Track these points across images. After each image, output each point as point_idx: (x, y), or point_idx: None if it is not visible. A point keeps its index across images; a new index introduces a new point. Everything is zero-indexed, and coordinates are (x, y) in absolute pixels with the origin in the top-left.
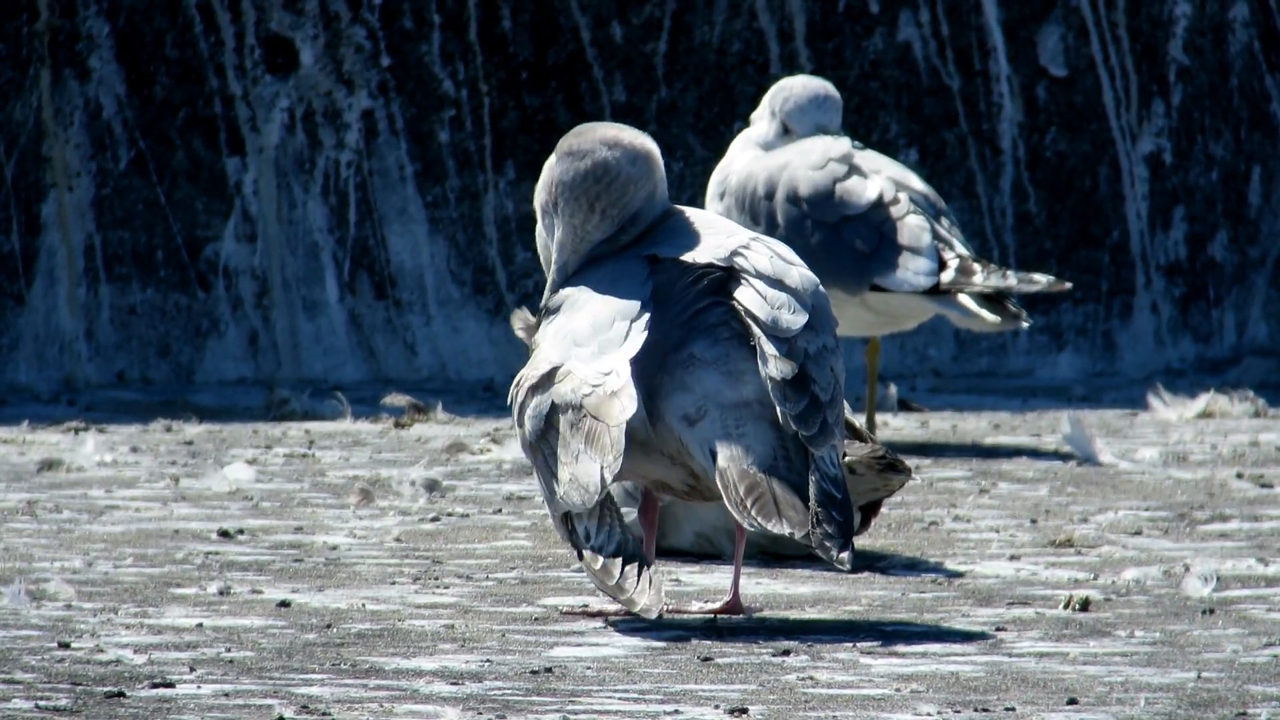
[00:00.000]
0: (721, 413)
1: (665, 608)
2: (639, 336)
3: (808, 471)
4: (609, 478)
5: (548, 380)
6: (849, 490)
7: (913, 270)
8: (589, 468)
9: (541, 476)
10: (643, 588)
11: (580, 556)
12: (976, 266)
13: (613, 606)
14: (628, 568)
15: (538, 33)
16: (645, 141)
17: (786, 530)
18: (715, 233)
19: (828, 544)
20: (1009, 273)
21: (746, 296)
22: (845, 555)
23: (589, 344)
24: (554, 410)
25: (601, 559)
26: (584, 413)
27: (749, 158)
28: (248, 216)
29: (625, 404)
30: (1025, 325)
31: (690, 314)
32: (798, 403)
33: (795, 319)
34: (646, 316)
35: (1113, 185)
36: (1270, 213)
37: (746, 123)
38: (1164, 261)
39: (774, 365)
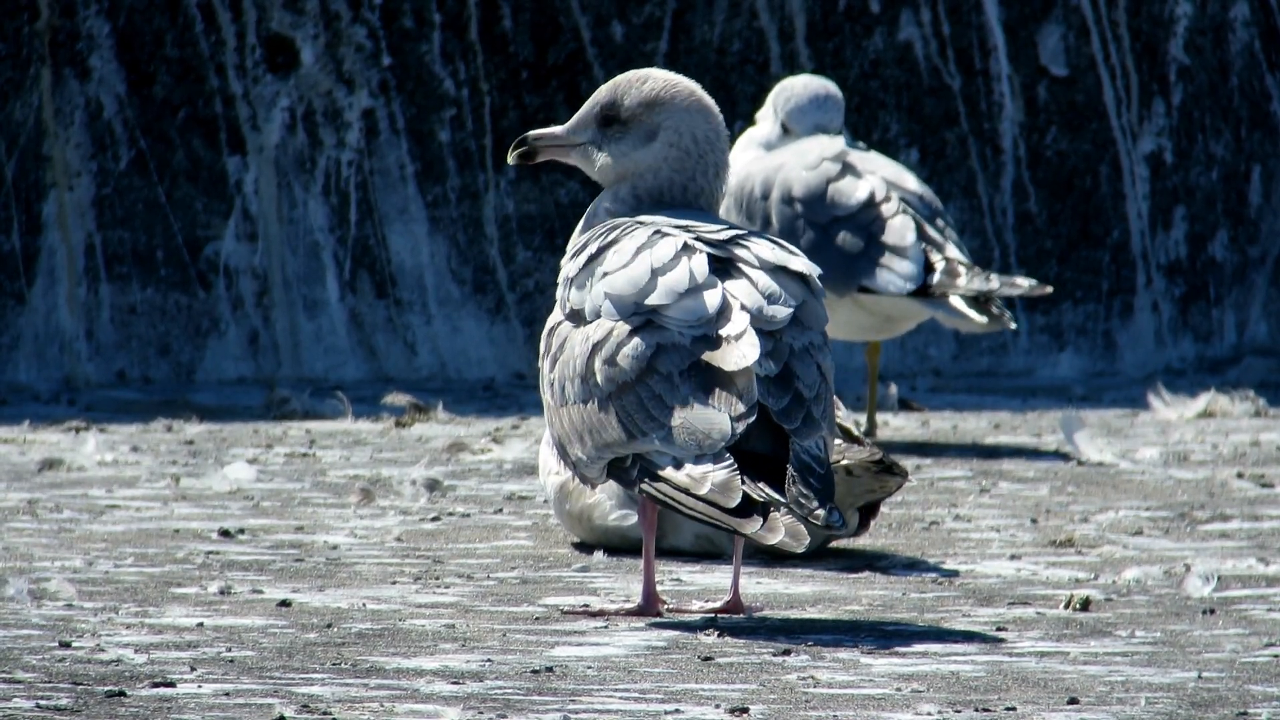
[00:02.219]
0: None
1: (802, 546)
2: (718, 288)
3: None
4: (740, 429)
5: (649, 324)
6: (834, 474)
7: (897, 272)
8: (711, 416)
9: (620, 417)
10: (773, 525)
11: (664, 491)
12: (962, 269)
13: (613, 606)
14: (749, 501)
15: (538, 32)
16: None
17: (775, 496)
18: (716, 223)
19: (803, 501)
20: (992, 275)
21: (737, 288)
22: (821, 511)
23: (670, 287)
24: (659, 352)
25: (710, 483)
26: (703, 359)
27: (748, 158)
28: (248, 216)
29: (746, 351)
30: (1011, 326)
31: None
32: (781, 398)
33: (781, 310)
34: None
35: (1113, 184)
36: (1270, 212)
37: (749, 122)
38: (1164, 261)
39: (758, 362)
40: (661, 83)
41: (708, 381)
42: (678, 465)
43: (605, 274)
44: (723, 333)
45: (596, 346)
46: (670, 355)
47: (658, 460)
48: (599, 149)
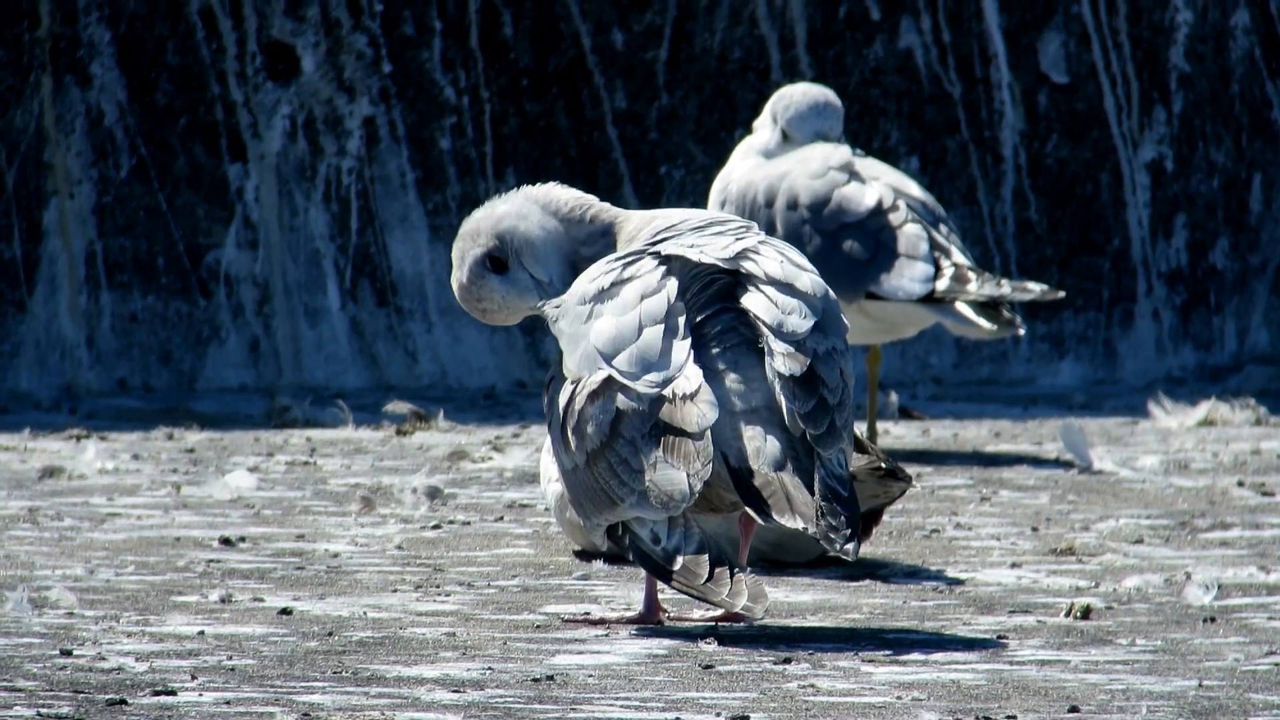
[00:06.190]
0: (732, 419)
1: (763, 609)
2: (685, 339)
3: (814, 471)
4: (698, 486)
5: (608, 386)
6: (855, 491)
7: (908, 278)
8: (672, 475)
9: (600, 485)
10: (738, 589)
11: (649, 564)
12: (971, 275)
13: (614, 614)
14: (717, 569)
15: (539, 39)
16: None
17: (799, 525)
18: (725, 233)
19: (832, 535)
20: (1004, 281)
21: (754, 302)
22: (850, 546)
23: (638, 346)
24: (620, 418)
25: (681, 559)
26: (661, 419)
27: (749, 165)
28: (249, 223)
29: (704, 410)
30: (1021, 332)
31: (699, 321)
32: (806, 402)
33: (803, 323)
34: (683, 319)
35: (1114, 192)
36: (1271, 220)
37: (748, 130)
38: (1165, 269)
39: (782, 361)
40: (475, 223)
41: (668, 441)
42: (655, 539)
43: (601, 315)
44: (677, 391)
45: (566, 414)
46: (632, 420)
47: (639, 530)
48: (519, 261)
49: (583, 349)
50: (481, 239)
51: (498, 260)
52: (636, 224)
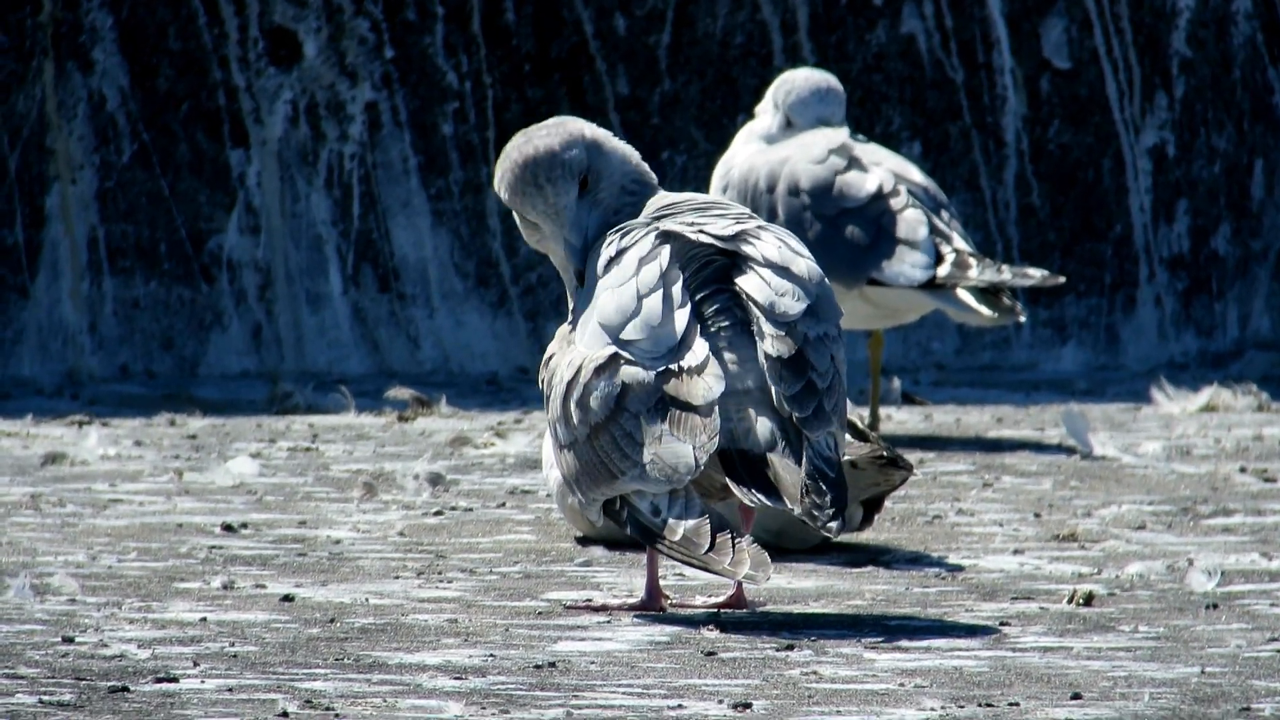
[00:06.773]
0: (723, 400)
1: (766, 577)
2: (685, 307)
3: (803, 452)
4: (703, 459)
5: (614, 361)
6: (845, 476)
7: (909, 264)
8: (677, 449)
9: (600, 458)
10: (740, 558)
11: (649, 536)
12: (972, 261)
13: (616, 601)
14: (718, 536)
15: (541, 25)
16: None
17: (785, 505)
18: (724, 215)
19: (815, 512)
20: (1004, 267)
21: (748, 283)
22: (834, 525)
23: (642, 317)
24: (626, 391)
25: (682, 530)
26: (667, 393)
27: (751, 151)
28: (251, 209)
29: (711, 383)
30: (1021, 319)
31: (696, 301)
32: (793, 384)
33: (795, 305)
34: (679, 285)
35: (1116, 178)
36: (1273, 206)
37: (750, 115)
38: (1167, 255)
39: (771, 343)
40: (579, 124)
41: (674, 415)
42: (655, 511)
43: (604, 290)
44: (684, 364)
45: (570, 388)
46: (637, 393)
47: (638, 503)
48: (592, 196)
49: (590, 326)
50: (575, 152)
51: (584, 180)
52: (654, 200)
